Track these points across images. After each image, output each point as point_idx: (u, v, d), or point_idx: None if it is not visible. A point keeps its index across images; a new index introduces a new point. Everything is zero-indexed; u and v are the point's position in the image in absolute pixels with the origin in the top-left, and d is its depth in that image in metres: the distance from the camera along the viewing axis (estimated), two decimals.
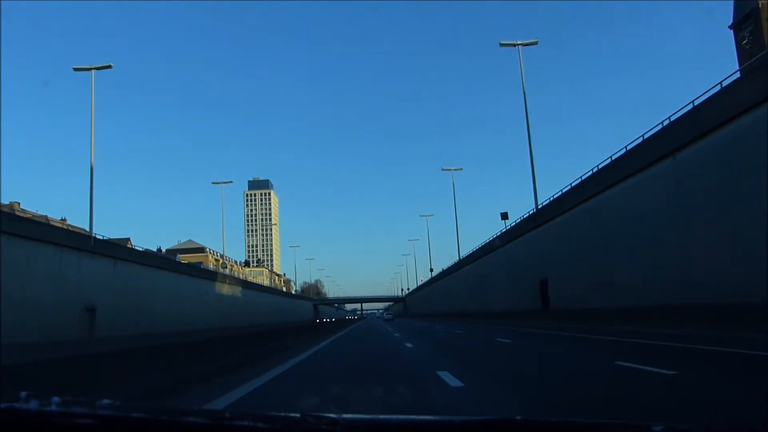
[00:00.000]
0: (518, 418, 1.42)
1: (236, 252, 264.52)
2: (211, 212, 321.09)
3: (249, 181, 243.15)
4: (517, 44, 37.59)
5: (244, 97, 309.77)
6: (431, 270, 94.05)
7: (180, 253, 70.07)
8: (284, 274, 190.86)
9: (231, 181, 66.54)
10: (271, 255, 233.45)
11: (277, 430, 1.42)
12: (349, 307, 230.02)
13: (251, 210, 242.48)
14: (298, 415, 1.43)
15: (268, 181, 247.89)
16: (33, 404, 1.24)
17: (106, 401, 1.33)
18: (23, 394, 1.25)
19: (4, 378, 4.78)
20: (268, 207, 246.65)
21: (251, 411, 1.38)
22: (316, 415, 1.42)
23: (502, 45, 38.24)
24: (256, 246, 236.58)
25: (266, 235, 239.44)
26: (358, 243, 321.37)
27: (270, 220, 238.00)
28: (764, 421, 1.34)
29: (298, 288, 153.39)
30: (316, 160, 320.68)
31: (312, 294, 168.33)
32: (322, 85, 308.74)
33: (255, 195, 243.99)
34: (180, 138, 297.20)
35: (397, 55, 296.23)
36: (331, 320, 67.06)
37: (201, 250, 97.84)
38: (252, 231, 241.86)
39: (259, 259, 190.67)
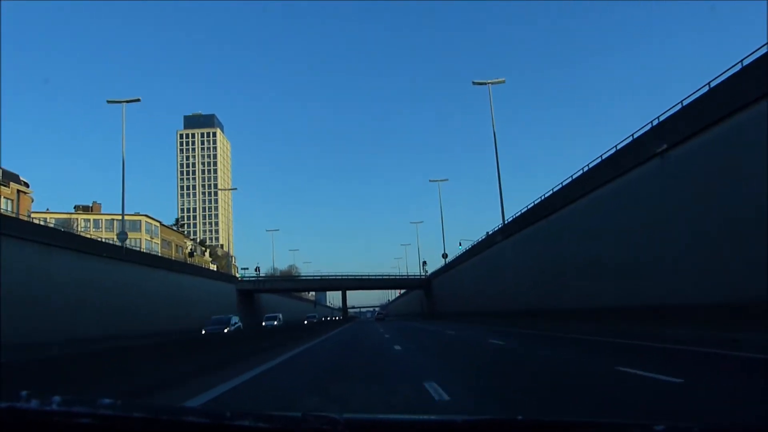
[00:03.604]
0: (519, 417, 1.55)
1: (166, 217, 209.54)
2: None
3: (185, 117, 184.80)
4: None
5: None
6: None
7: None
8: (221, 246, 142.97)
9: None
10: (216, 225, 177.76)
11: (277, 430, 1.50)
12: (337, 302, 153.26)
13: (187, 157, 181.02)
14: (299, 414, 1.52)
15: (213, 116, 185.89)
16: (34, 403, 1.32)
17: (106, 400, 1.40)
18: (23, 393, 1.32)
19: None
20: (212, 152, 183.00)
21: (252, 410, 1.47)
22: (317, 414, 1.51)
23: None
24: (194, 210, 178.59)
25: (209, 194, 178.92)
26: (347, 237, 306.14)
27: (215, 170, 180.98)
28: (764, 421, 1.50)
29: (261, 274, 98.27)
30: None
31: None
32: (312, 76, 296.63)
33: (194, 136, 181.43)
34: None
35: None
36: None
37: None
38: (188, 188, 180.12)
39: (179, 221, 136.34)
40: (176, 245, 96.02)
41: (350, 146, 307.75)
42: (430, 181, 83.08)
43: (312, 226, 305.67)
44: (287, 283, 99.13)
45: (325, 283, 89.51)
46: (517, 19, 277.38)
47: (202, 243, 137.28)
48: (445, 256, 69.51)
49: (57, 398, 1.35)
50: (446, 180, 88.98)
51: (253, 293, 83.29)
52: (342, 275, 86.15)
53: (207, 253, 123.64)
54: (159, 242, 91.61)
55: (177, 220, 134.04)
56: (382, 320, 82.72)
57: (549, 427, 1.56)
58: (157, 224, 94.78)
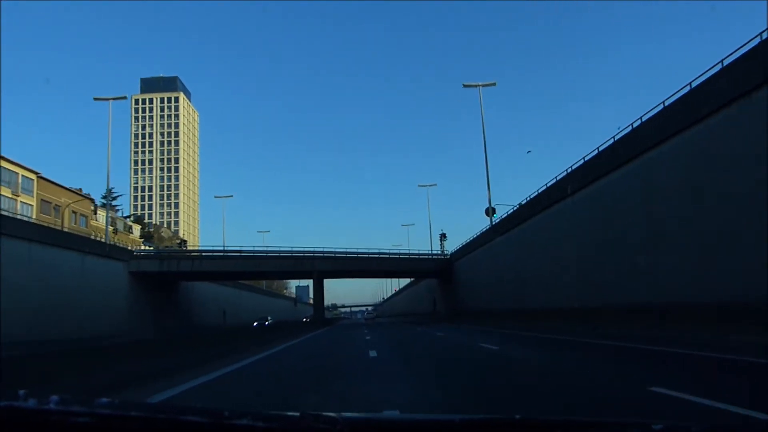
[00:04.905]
0: (517, 416, 1.60)
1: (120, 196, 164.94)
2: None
3: (142, 80, 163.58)
4: None
5: None
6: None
7: None
8: (166, 225, 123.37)
9: None
10: (176, 206, 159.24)
11: (276, 429, 1.53)
12: (328, 299, 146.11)
13: (143, 126, 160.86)
14: (297, 413, 1.54)
15: (175, 78, 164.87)
16: (32, 402, 1.33)
17: (104, 400, 1.41)
18: (22, 392, 1.33)
19: None
20: (173, 121, 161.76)
21: (250, 410, 1.49)
22: (315, 413, 1.54)
23: None
24: (151, 189, 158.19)
25: (168, 170, 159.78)
26: (339, 230, 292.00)
27: (176, 141, 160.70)
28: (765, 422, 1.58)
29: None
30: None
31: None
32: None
33: (152, 101, 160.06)
34: None
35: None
36: None
37: None
38: (143, 162, 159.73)
39: (111, 192, 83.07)
40: (79, 214, 68.73)
41: (346, 132, 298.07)
42: (464, 86, 48.93)
43: (300, 216, 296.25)
44: (221, 263, 55.86)
45: (285, 264, 56.53)
46: (520, 19, 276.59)
47: (139, 220, 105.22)
48: (491, 211, 45.77)
49: (55, 397, 1.37)
50: (494, 84, 50.37)
51: (175, 280, 55.38)
52: (313, 251, 56.71)
53: (138, 231, 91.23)
54: (35, 203, 60.93)
55: (109, 191, 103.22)
56: (373, 322, 71.47)
57: (547, 426, 1.61)
58: (32, 176, 61.79)
